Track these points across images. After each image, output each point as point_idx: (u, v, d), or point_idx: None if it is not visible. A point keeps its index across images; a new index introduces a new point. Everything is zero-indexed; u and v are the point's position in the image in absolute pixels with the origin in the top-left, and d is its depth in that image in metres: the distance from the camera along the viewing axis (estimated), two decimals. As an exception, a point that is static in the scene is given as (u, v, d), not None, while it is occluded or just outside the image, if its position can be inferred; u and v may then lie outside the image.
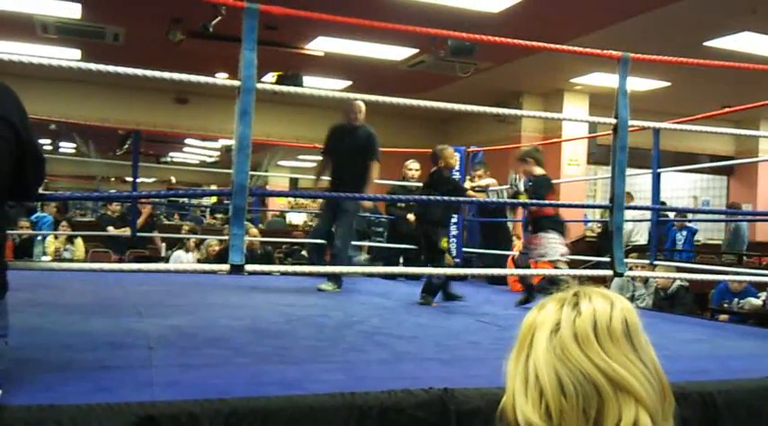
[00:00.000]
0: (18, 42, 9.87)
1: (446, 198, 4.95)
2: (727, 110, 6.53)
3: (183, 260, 9.08)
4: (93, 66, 2.98)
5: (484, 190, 6.74)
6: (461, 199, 5.42)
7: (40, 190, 2.77)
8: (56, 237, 9.30)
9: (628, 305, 0.97)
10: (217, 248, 8.84)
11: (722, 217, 12.50)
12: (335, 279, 5.76)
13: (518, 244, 7.29)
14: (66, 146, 18.68)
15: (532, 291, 5.17)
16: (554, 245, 5.05)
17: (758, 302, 6.93)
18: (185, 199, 13.73)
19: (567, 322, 0.94)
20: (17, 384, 2.04)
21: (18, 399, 1.88)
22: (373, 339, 3.45)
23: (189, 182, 23.75)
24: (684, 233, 10.61)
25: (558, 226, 5.16)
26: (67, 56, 10.35)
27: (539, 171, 5.25)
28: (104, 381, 2.22)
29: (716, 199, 15.84)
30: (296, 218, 20.13)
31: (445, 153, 5.45)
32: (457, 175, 6.56)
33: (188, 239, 9.43)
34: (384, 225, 8.60)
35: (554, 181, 5.59)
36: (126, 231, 8.74)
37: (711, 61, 4.55)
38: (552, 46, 4.05)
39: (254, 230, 9.64)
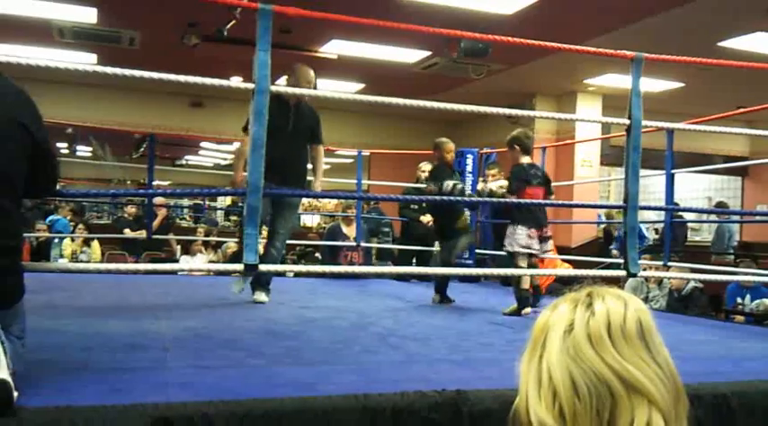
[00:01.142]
0: (35, 47, 9.95)
1: (453, 198, 4.96)
2: (741, 110, 6.48)
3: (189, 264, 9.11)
4: (109, 69, 3.01)
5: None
6: (464, 198, 5.39)
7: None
8: (72, 240, 9.37)
9: (642, 305, 0.97)
10: (234, 249, 8.88)
11: (735, 218, 12.41)
12: (267, 284, 4.91)
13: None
14: (83, 150, 18.81)
15: (536, 292, 5.09)
16: (516, 237, 4.77)
17: (773, 303, 6.88)
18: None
19: (581, 322, 0.94)
20: (33, 385, 2.06)
21: (34, 400, 1.90)
22: (386, 340, 3.46)
23: (203, 185, 23.85)
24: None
25: (525, 217, 4.82)
26: (84, 60, 10.42)
27: (523, 159, 4.93)
28: (120, 382, 2.24)
29: (730, 200, 15.72)
30: (309, 220, 20.18)
31: (443, 146, 5.49)
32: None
33: (193, 243, 9.38)
34: (390, 225, 8.61)
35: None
36: (142, 233, 8.79)
37: (725, 61, 4.53)
38: (565, 46, 4.04)
39: (266, 232, 9.67)
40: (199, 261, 9.21)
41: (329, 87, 11.17)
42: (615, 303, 0.95)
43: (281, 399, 2.07)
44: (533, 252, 4.81)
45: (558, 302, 0.99)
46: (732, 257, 10.60)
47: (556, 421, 0.90)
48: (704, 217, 12.17)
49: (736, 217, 12.29)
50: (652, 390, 0.90)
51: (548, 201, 5.04)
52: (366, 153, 8.44)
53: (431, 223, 7.34)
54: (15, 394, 1.81)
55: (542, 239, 4.90)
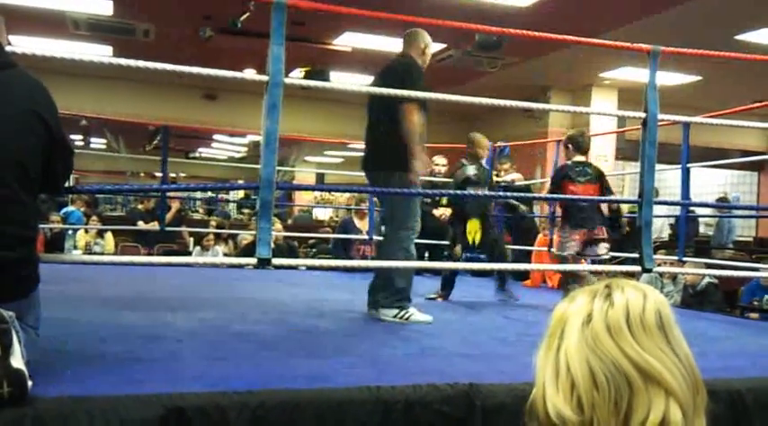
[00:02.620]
0: (50, 39, 10.00)
1: (478, 193, 4.95)
2: (758, 104, 6.41)
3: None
4: (123, 61, 3.01)
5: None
6: (489, 193, 5.37)
7: (70, 184, 2.82)
8: (86, 231, 9.43)
9: (661, 297, 0.96)
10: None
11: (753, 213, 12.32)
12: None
13: (541, 239, 7.25)
14: (97, 142, 18.91)
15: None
16: (566, 244, 4.80)
17: (790, 300, 6.82)
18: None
19: (600, 313, 0.93)
20: (48, 375, 2.07)
21: (49, 390, 1.91)
22: (399, 334, 3.46)
23: (217, 178, 23.96)
24: None
25: (569, 219, 4.84)
26: (99, 52, 10.46)
27: (576, 157, 4.96)
28: (134, 373, 2.24)
29: (746, 195, 15.62)
30: (322, 214, 20.22)
31: (476, 141, 5.47)
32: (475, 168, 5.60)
33: (207, 239, 9.27)
34: None
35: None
36: (155, 225, 8.82)
37: (743, 55, 4.49)
38: (581, 39, 4.01)
39: (278, 225, 9.67)
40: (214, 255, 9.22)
41: (343, 80, 11.17)
42: (634, 294, 0.94)
43: (294, 391, 2.07)
44: (585, 255, 4.81)
45: (575, 294, 0.99)
46: (732, 251, 10.53)
47: (574, 411, 0.89)
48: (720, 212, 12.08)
49: (742, 213, 12.16)
50: (670, 381, 0.89)
51: (559, 196, 4.99)
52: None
53: (444, 216, 7.33)
54: (30, 383, 1.82)
55: (593, 242, 4.80)
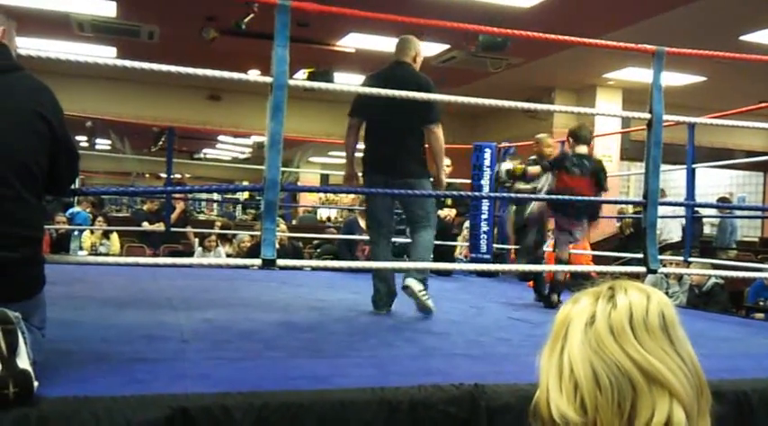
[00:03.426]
0: (55, 40, 10.03)
1: (512, 195, 4.97)
2: (763, 104, 6.40)
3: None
4: (128, 63, 3.02)
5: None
6: (529, 196, 5.40)
7: (76, 186, 2.83)
8: (92, 232, 9.44)
9: (665, 298, 0.96)
10: (248, 243, 8.88)
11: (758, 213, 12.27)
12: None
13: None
14: (102, 143, 18.94)
15: (556, 286, 5.05)
16: (570, 229, 4.93)
17: (795, 300, 6.81)
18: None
19: (603, 314, 0.93)
20: (53, 376, 2.08)
21: (54, 391, 1.91)
22: (403, 334, 3.46)
23: (221, 179, 24.00)
24: None
25: (572, 209, 4.87)
26: (103, 53, 10.49)
27: (578, 149, 5.01)
28: (139, 373, 2.25)
29: (752, 196, 15.57)
30: (327, 215, 20.23)
31: (541, 141, 5.77)
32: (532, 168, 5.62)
33: (209, 240, 9.19)
34: None
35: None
36: (160, 226, 8.83)
37: (748, 55, 4.48)
38: (585, 40, 4.01)
39: (282, 225, 9.65)
40: (216, 256, 9.22)
41: (347, 81, 11.17)
42: (638, 296, 0.94)
43: (298, 391, 2.07)
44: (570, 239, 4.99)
45: (578, 296, 0.98)
46: (737, 251, 10.49)
47: (577, 413, 0.89)
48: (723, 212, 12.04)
49: (748, 213, 12.09)
50: (674, 383, 0.89)
51: (564, 197, 4.98)
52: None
53: (449, 217, 7.33)
54: (36, 383, 1.83)
55: (570, 232, 4.98)
